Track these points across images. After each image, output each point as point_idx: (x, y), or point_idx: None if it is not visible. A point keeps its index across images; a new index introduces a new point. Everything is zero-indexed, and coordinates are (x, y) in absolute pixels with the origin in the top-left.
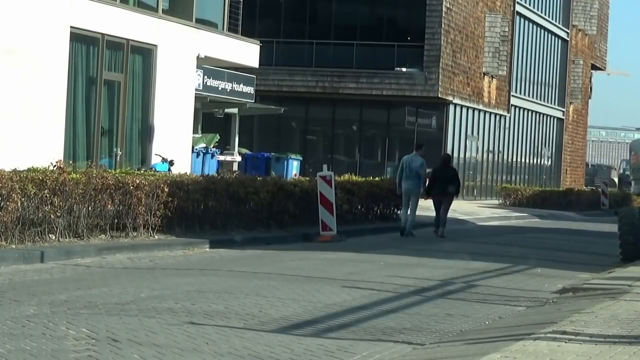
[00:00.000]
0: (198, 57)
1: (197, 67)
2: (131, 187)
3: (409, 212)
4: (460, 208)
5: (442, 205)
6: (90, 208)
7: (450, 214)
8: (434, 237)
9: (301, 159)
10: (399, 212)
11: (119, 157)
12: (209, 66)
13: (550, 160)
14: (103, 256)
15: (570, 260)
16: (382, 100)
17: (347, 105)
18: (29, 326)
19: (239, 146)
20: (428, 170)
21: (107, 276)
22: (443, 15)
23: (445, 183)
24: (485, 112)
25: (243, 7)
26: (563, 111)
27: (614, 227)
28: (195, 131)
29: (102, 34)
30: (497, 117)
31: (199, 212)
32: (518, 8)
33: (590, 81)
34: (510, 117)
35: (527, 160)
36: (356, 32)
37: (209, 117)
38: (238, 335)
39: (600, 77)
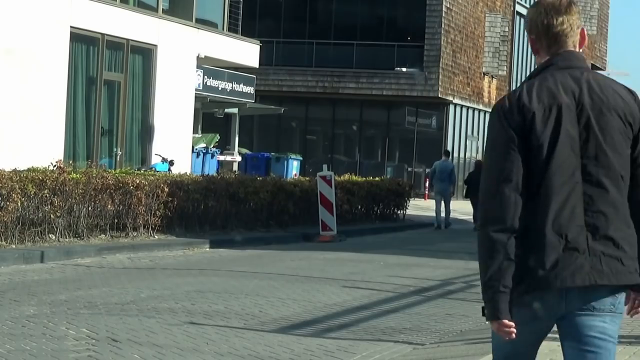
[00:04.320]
0: (198, 57)
1: (197, 67)
2: (131, 187)
3: (442, 209)
4: (461, 208)
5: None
6: (90, 208)
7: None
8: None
9: (301, 159)
10: (399, 212)
11: (119, 157)
12: (209, 66)
13: None
14: (103, 256)
15: None
16: (382, 100)
17: (347, 105)
18: (29, 326)
19: (239, 146)
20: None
21: (107, 276)
22: (443, 15)
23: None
24: (485, 112)
25: (243, 7)
26: None
27: None
28: (195, 131)
29: (102, 34)
30: None
31: (199, 212)
32: (518, 8)
33: None
34: None
35: None
36: (356, 32)
37: (209, 117)
38: (238, 335)
39: None
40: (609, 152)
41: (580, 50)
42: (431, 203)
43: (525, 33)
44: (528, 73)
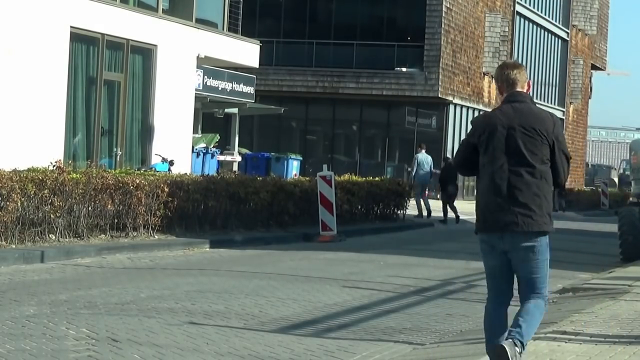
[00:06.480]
0: (198, 57)
1: (197, 67)
2: (131, 187)
3: (423, 197)
4: (460, 208)
5: None
6: (90, 208)
7: (450, 214)
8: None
9: (301, 159)
10: (399, 212)
11: (119, 157)
12: (209, 66)
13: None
14: (103, 256)
15: (570, 260)
16: (382, 100)
17: (347, 105)
18: (29, 326)
19: (239, 146)
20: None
21: (107, 276)
22: (443, 15)
23: None
24: (485, 112)
25: (243, 7)
26: (563, 111)
27: (614, 227)
28: (195, 131)
29: (102, 34)
30: None
31: (199, 212)
32: (518, 8)
33: (590, 81)
34: None
35: None
36: (356, 32)
37: (209, 117)
38: (238, 335)
39: (600, 77)
40: (525, 151)
41: (528, 92)
42: (431, 203)
43: (525, 34)
44: (527, 73)
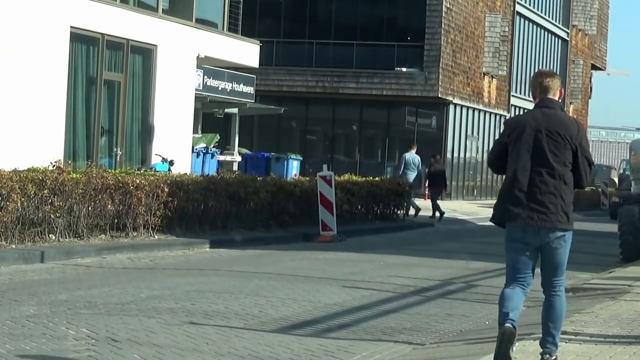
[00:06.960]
0: (198, 57)
1: (197, 67)
2: (131, 187)
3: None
4: (460, 208)
5: None
6: (90, 208)
7: (450, 214)
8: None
9: (301, 159)
10: (399, 212)
11: (119, 157)
12: (209, 66)
13: None
14: (103, 256)
15: (570, 260)
16: (382, 100)
17: (347, 105)
18: (29, 326)
19: (239, 146)
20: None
21: (107, 276)
22: (443, 15)
23: None
24: (485, 112)
25: (243, 7)
26: (563, 111)
27: (614, 227)
28: (195, 131)
29: (102, 34)
30: (497, 117)
31: (199, 212)
32: (518, 8)
33: (590, 81)
34: (510, 117)
35: None
36: (356, 32)
37: (209, 117)
38: (238, 335)
39: (600, 77)
40: (547, 153)
41: (559, 100)
42: (427, 203)
43: (525, 34)
44: (527, 73)
